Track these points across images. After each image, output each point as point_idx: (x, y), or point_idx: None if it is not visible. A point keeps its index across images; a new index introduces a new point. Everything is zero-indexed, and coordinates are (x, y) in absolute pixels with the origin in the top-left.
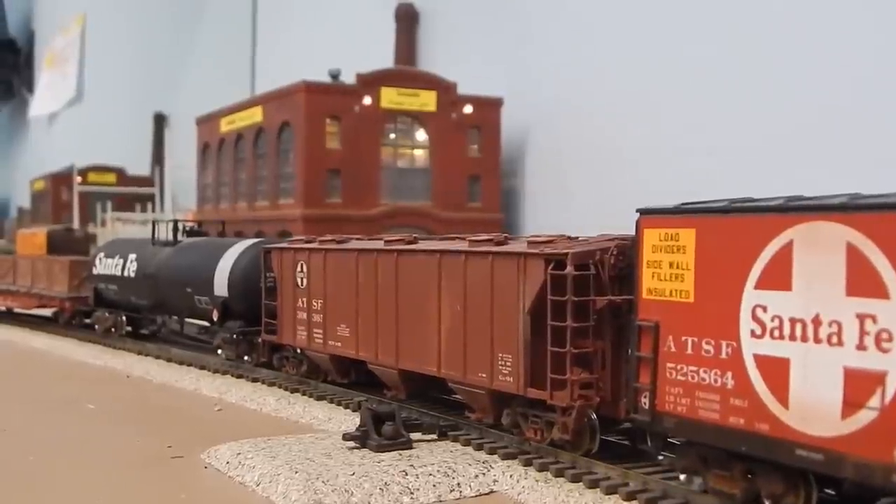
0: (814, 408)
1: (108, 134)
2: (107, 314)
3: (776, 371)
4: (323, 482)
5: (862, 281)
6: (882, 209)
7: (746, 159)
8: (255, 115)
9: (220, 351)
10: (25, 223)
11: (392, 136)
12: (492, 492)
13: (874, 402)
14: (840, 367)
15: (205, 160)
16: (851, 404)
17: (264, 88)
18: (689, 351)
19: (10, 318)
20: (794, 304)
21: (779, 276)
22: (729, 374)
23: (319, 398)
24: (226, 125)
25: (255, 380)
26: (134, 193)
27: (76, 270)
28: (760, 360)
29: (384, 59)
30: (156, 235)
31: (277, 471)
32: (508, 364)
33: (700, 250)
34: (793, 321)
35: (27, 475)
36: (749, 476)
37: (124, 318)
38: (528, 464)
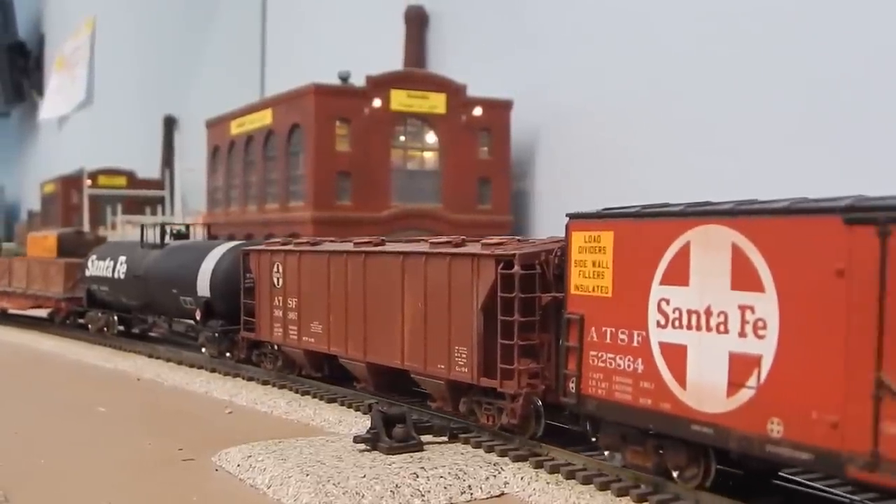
0: (705, 388)
1: (117, 137)
2: (99, 314)
3: (676, 356)
4: (334, 485)
5: (743, 276)
6: (758, 214)
7: (756, 159)
8: (265, 118)
9: (203, 349)
10: (35, 226)
11: (402, 138)
12: (503, 494)
13: (752, 381)
14: (726, 352)
15: (215, 163)
16: (734, 384)
17: (274, 91)
18: (608, 340)
19: (19, 321)
20: (691, 298)
21: (679, 273)
22: (639, 360)
23: (330, 401)
24: (236, 128)
25: (265, 382)
26: (144, 196)
27: (71, 272)
28: (664, 347)
29: (394, 61)
30: (144, 238)
31: (288, 473)
32: (464, 356)
33: (617, 250)
34: (689, 312)
35: (38, 477)
36: (659, 451)
37: (116, 317)
38: (539, 466)
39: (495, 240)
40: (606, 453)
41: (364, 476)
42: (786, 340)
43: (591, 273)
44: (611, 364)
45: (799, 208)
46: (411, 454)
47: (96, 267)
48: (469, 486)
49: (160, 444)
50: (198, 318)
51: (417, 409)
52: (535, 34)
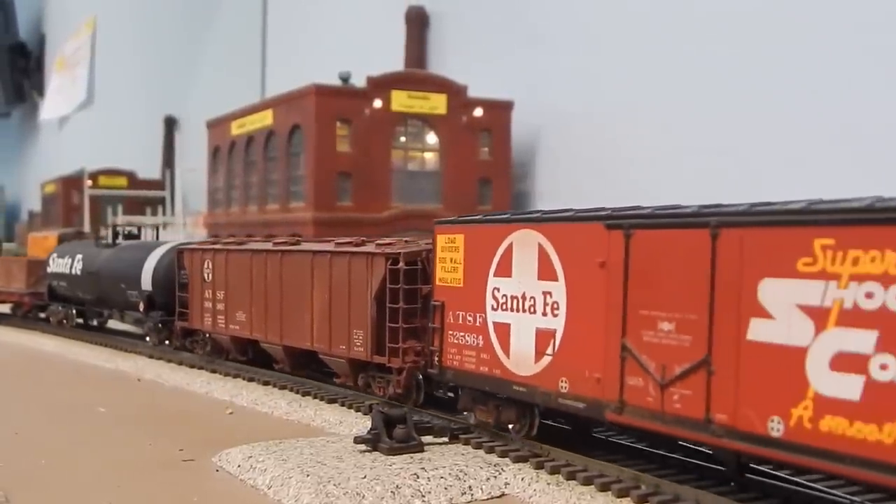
0: (522, 356)
1: (118, 137)
2: (59, 308)
3: (504, 332)
4: (334, 485)
5: (545, 269)
6: (553, 220)
7: (760, 159)
8: (266, 119)
9: (147, 338)
10: (36, 226)
11: (402, 139)
12: (503, 495)
13: (550, 350)
14: (534, 328)
15: (215, 163)
16: (539, 352)
17: (275, 91)
18: (460, 321)
19: (20, 321)
20: (513, 286)
21: (506, 267)
22: (480, 337)
23: (331, 401)
24: (236, 128)
25: (266, 383)
26: (144, 197)
27: (33, 269)
28: (496, 326)
29: (394, 61)
30: (99, 238)
31: (289, 474)
32: (360, 338)
33: (466, 249)
34: (512, 297)
35: (39, 478)
36: (498, 409)
37: (74, 311)
38: (539, 466)
39: (387, 241)
40: (465, 413)
41: (365, 477)
42: (570, 317)
43: (449, 268)
44: (462, 340)
45: (578, 216)
46: (412, 455)
47: (56, 264)
48: (470, 487)
49: (161, 444)
50: (141, 309)
51: (418, 411)
52: (536, 35)
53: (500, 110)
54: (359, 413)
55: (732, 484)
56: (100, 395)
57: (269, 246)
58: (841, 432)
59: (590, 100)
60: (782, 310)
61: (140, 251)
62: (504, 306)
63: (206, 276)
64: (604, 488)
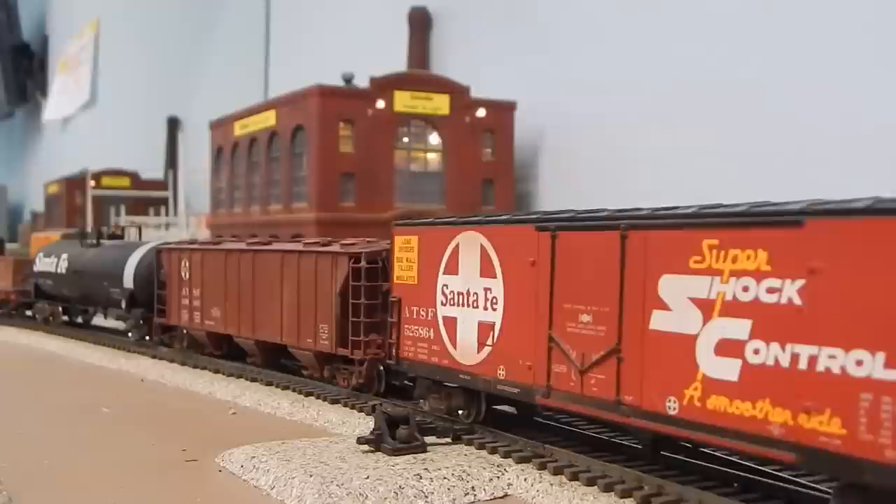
0: (466, 347)
1: (121, 138)
2: (46, 305)
3: (451, 325)
4: (337, 486)
5: (486, 267)
6: (492, 223)
7: (762, 161)
8: (269, 119)
9: (129, 334)
10: (39, 227)
11: (405, 139)
12: (506, 495)
13: (490, 341)
14: (476, 321)
15: (218, 164)
16: (481, 343)
17: (278, 92)
18: (415, 316)
19: (19, 321)
20: (459, 283)
21: (453, 266)
22: (431, 330)
23: (333, 402)
24: (239, 129)
25: (269, 383)
26: (148, 197)
27: (20, 268)
28: (445, 319)
29: (397, 62)
30: (83, 238)
31: (292, 474)
32: (326, 332)
33: (420, 250)
34: (458, 293)
35: (42, 478)
36: (449, 396)
37: (60, 308)
38: (542, 467)
39: (350, 241)
40: (421, 401)
41: (368, 477)
42: (507, 311)
43: (405, 267)
44: (416, 333)
45: (513, 220)
46: (415, 455)
47: (43, 263)
48: (472, 488)
49: (164, 444)
50: (123, 306)
51: (421, 411)
52: (540, 36)
53: (503, 111)
54: (361, 414)
55: (735, 485)
56: (103, 395)
57: (241, 246)
58: (723, 409)
59: (593, 100)
60: (677, 302)
61: (122, 251)
62: (451, 301)
63: (183, 274)
64: (607, 489)
